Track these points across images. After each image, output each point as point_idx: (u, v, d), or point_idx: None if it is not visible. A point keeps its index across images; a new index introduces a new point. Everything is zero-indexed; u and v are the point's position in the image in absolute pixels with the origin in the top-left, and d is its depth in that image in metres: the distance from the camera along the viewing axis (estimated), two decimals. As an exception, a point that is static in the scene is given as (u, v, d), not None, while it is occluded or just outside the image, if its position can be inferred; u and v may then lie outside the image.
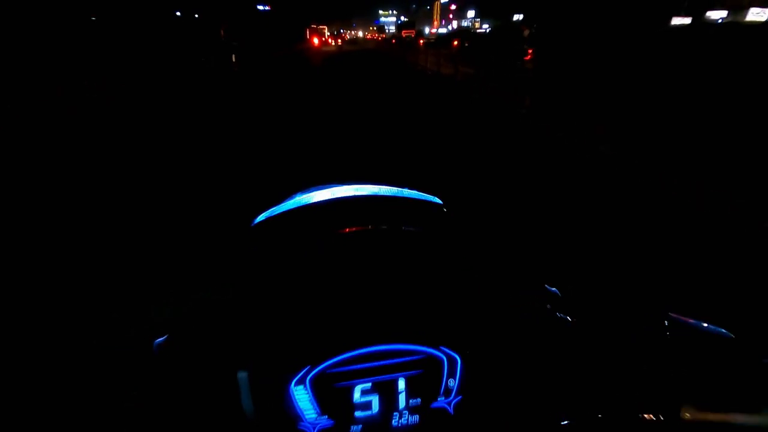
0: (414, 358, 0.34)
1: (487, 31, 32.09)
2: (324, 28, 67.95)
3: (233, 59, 17.15)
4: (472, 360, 0.36)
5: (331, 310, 0.35)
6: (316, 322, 0.35)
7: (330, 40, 58.32)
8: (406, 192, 0.46)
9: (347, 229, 0.39)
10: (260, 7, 36.62)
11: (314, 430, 0.34)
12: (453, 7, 70.32)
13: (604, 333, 0.43)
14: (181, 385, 0.33)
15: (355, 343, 0.34)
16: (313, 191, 0.45)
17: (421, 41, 32.86)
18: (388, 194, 0.45)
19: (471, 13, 61.94)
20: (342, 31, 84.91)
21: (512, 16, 38.73)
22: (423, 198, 0.46)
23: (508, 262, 0.47)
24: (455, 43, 20.49)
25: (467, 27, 54.64)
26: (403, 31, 47.68)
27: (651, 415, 0.42)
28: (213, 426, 0.32)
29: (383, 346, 0.34)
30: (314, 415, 0.33)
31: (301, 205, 0.42)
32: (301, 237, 0.39)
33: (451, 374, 0.35)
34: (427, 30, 68.11)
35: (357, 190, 0.45)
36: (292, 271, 0.38)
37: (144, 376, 0.35)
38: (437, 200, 0.47)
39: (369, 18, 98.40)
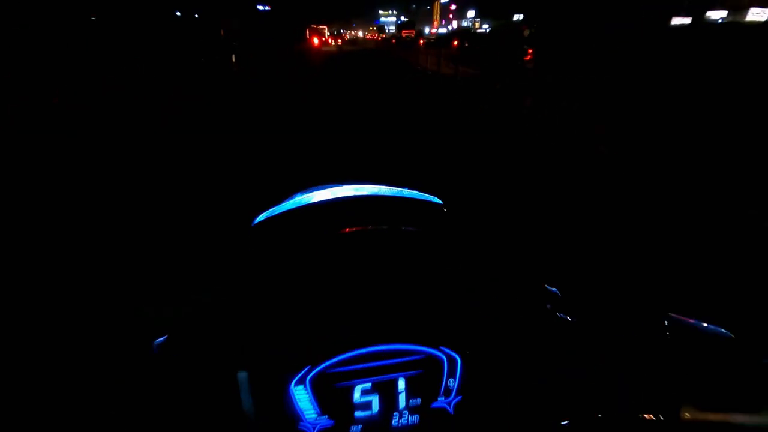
0: (414, 358, 0.34)
1: (487, 31, 32.10)
2: (324, 29, 68.08)
3: (233, 59, 17.18)
4: (471, 360, 0.35)
5: (331, 310, 0.35)
6: (317, 322, 0.34)
7: (330, 40, 58.62)
8: (406, 192, 0.46)
9: (347, 230, 0.39)
10: (260, 7, 36.63)
11: (314, 430, 0.33)
12: (453, 6, 70.36)
13: (604, 332, 0.43)
14: (181, 385, 0.32)
15: (355, 343, 0.34)
16: (313, 191, 0.45)
17: (421, 41, 32.53)
18: (387, 194, 0.44)
19: (471, 13, 62.01)
20: (342, 31, 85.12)
21: (512, 16, 38.76)
22: (423, 198, 0.45)
23: (508, 261, 0.46)
24: (455, 42, 20.72)
25: (467, 27, 54.70)
26: (403, 31, 47.97)
27: (651, 415, 0.42)
28: (213, 426, 0.32)
29: (383, 346, 0.34)
30: (314, 415, 0.33)
31: (301, 205, 0.42)
32: (302, 237, 0.39)
33: (451, 374, 0.35)
34: (427, 30, 68.19)
35: (357, 190, 0.44)
36: (292, 270, 0.37)
37: (144, 377, 0.34)
38: (437, 200, 0.46)
39: (369, 18, 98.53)
